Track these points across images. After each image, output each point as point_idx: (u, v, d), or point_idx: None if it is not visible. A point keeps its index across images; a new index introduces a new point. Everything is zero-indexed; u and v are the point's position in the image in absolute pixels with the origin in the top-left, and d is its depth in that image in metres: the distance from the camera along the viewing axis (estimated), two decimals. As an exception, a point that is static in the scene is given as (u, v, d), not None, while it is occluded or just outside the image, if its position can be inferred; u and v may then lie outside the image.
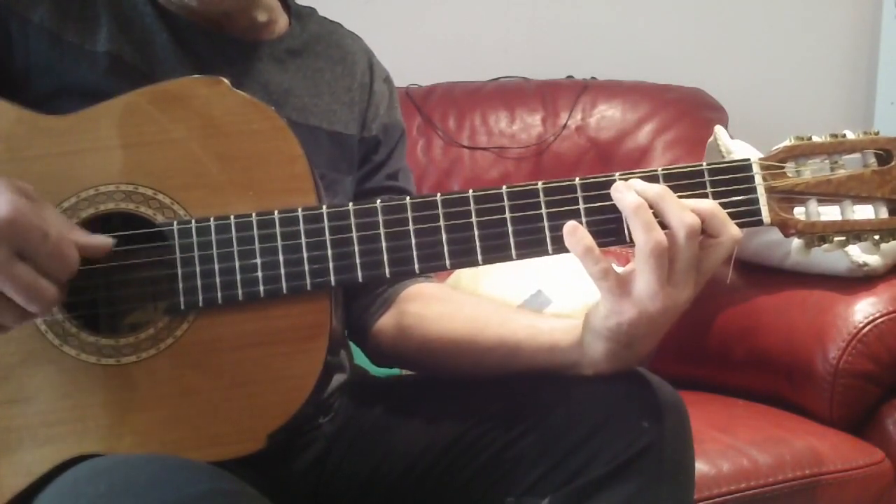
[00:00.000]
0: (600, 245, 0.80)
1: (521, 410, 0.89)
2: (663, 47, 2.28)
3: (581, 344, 0.86)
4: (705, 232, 0.79)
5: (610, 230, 0.81)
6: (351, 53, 1.09)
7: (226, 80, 0.85)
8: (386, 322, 1.03)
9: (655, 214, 0.78)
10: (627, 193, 0.79)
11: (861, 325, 1.38)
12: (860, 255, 1.42)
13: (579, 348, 0.86)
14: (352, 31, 1.13)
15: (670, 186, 0.81)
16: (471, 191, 0.82)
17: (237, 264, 0.81)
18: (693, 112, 2.02)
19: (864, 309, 1.40)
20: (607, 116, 2.01)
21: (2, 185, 0.70)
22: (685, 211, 0.78)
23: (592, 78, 2.11)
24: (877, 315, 1.39)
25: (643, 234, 0.77)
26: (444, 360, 0.97)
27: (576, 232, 0.80)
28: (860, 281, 1.44)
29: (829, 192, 0.83)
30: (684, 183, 0.82)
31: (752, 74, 2.30)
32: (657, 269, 0.77)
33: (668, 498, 0.83)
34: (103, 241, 0.78)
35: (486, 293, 1.57)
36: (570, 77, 2.14)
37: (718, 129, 1.61)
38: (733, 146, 1.58)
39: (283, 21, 1.05)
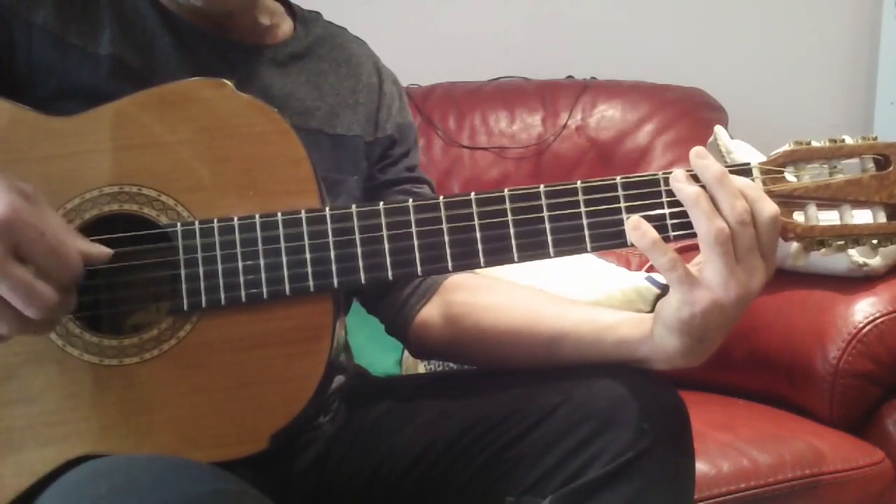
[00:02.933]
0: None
1: (521, 411, 0.89)
2: (663, 47, 2.28)
3: (651, 338, 0.85)
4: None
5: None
6: (356, 56, 1.09)
7: (229, 83, 0.85)
8: (430, 313, 1.02)
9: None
10: (686, 184, 0.80)
11: (861, 325, 1.39)
12: (860, 255, 1.42)
13: (649, 342, 0.85)
14: (356, 35, 1.13)
15: (672, 190, 0.82)
16: (472, 194, 0.82)
17: (240, 266, 0.81)
18: (693, 112, 2.02)
19: (864, 309, 1.40)
20: (607, 116, 2.02)
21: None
22: (737, 199, 0.78)
23: (592, 78, 2.11)
24: (877, 315, 1.39)
25: (704, 223, 0.78)
26: (499, 352, 0.96)
27: (640, 226, 0.80)
28: (860, 281, 1.44)
29: (828, 197, 0.83)
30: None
31: (752, 74, 2.30)
32: (724, 255, 0.77)
33: (669, 499, 0.83)
34: (101, 250, 0.76)
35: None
36: (570, 77, 2.14)
37: (718, 130, 1.62)
38: (733, 146, 1.58)
39: (286, 26, 1.05)
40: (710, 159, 0.80)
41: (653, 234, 0.80)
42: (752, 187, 0.80)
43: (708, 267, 0.78)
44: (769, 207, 0.79)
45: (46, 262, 0.69)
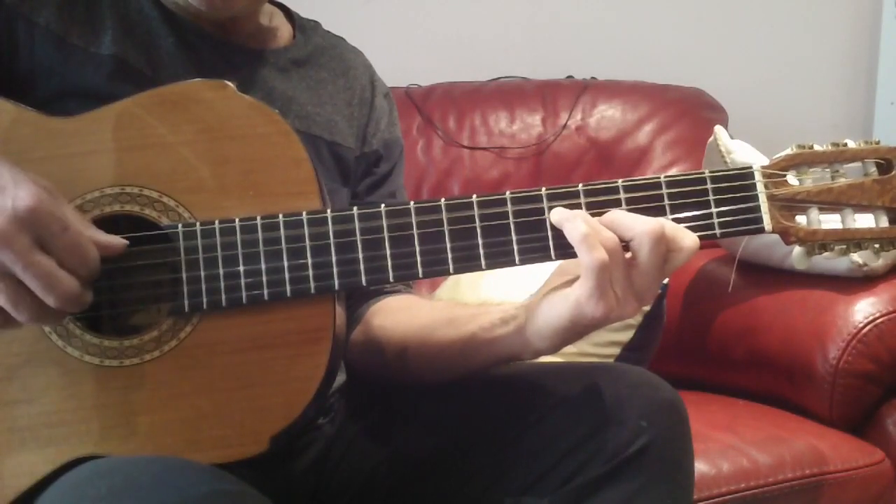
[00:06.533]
0: None
1: (520, 410, 0.89)
2: (663, 47, 2.28)
3: (523, 332, 0.86)
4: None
5: None
6: (353, 68, 1.10)
7: (231, 84, 0.85)
8: (355, 338, 1.03)
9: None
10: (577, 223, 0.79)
11: (861, 325, 1.38)
12: (861, 257, 1.42)
13: (520, 336, 0.86)
14: (354, 46, 1.14)
15: (673, 194, 0.82)
16: (474, 196, 0.82)
17: (241, 268, 0.81)
18: (693, 112, 2.02)
19: (864, 309, 1.40)
20: (607, 116, 2.02)
21: (23, 177, 0.72)
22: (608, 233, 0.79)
23: (592, 78, 2.11)
24: (877, 315, 1.39)
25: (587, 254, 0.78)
26: (400, 367, 0.97)
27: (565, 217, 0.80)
28: (860, 281, 1.44)
29: (830, 201, 0.84)
30: (687, 190, 0.83)
31: (752, 74, 2.30)
32: (599, 280, 0.78)
33: (667, 497, 0.83)
34: (118, 241, 0.78)
35: (487, 293, 1.57)
36: (570, 77, 2.14)
37: (718, 130, 1.62)
38: (733, 146, 1.58)
39: (286, 31, 1.06)
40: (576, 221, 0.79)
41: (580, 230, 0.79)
42: (651, 234, 0.78)
43: (582, 283, 0.79)
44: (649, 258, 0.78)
45: (68, 255, 0.72)
